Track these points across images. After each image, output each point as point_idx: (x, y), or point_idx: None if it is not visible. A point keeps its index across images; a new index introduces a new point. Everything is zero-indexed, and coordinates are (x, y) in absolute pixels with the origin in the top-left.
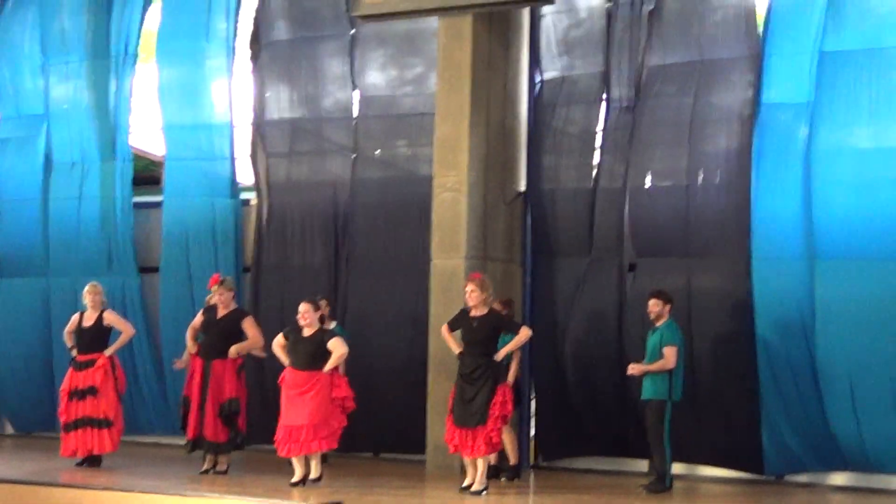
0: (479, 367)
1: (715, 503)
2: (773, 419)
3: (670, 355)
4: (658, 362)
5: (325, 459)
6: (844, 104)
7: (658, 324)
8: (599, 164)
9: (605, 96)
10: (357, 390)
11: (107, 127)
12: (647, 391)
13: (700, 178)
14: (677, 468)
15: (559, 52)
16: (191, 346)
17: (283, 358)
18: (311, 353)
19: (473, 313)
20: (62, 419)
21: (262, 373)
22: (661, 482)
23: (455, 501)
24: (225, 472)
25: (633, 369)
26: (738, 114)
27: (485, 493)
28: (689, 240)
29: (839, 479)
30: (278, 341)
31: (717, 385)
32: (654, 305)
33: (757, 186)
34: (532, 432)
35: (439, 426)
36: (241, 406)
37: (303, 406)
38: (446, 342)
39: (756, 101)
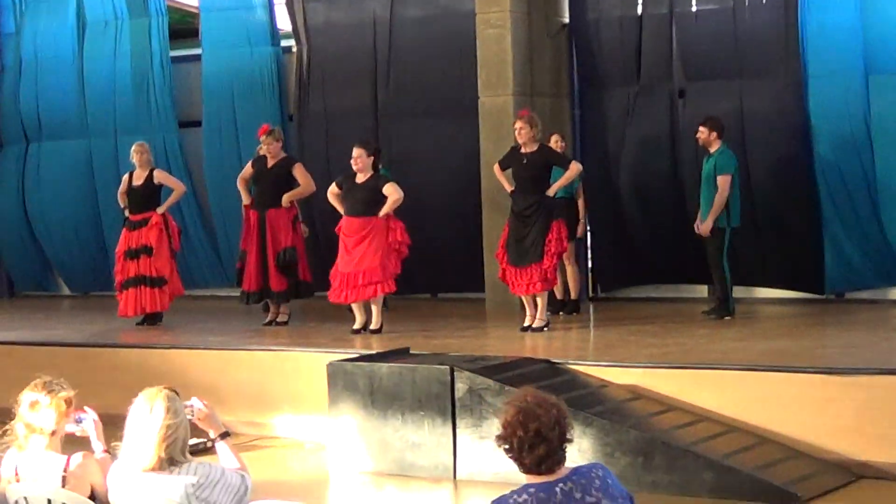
0: (533, 205)
1: (778, 324)
2: (832, 237)
3: (724, 185)
4: (716, 200)
5: (385, 304)
6: None
7: (711, 150)
8: None
9: None
10: (411, 233)
11: None
12: (706, 217)
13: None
14: (737, 291)
15: None
16: (245, 197)
17: (338, 206)
18: (366, 200)
19: (524, 150)
20: (118, 279)
21: (312, 219)
22: (723, 307)
23: (519, 338)
24: (286, 323)
25: (701, 228)
26: None
27: (546, 328)
28: (738, 61)
29: None
30: (332, 190)
31: (775, 207)
32: (701, 133)
33: (808, 1)
34: (589, 264)
35: (495, 264)
36: (297, 255)
37: (359, 252)
38: (499, 180)
39: None
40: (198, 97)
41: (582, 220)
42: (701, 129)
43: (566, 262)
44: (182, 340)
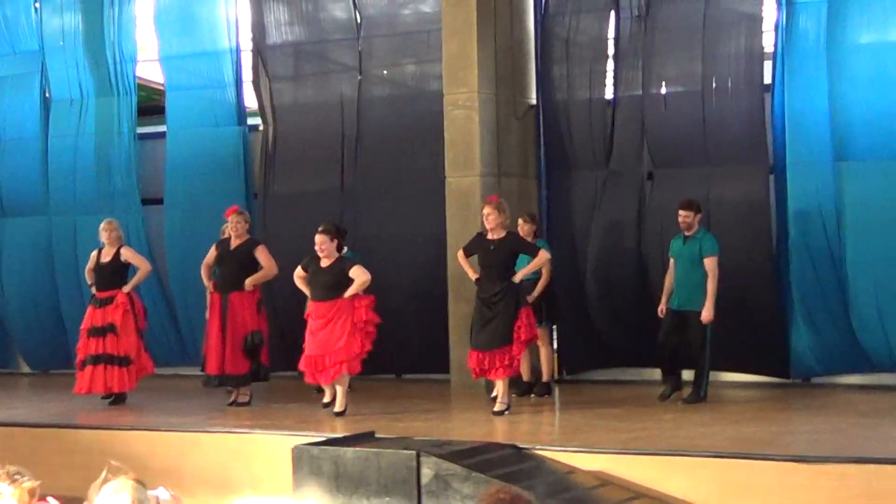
0: (499, 292)
1: (745, 408)
2: (799, 323)
3: (715, 266)
4: (710, 284)
5: (349, 387)
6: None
7: (690, 233)
8: (614, 73)
9: (615, 5)
10: (377, 313)
11: (103, 61)
12: (689, 302)
13: (714, 83)
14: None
15: None
16: (207, 283)
17: (305, 289)
18: (331, 285)
19: (491, 236)
20: (79, 355)
21: (274, 301)
22: (697, 393)
23: (485, 422)
24: (248, 404)
25: (704, 316)
26: (750, 16)
27: (507, 412)
28: (707, 147)
29: (866, 379)
30: (298, 273)
31: (741, 292)
32: (685, 217)
33: (783, 89)
34: (555, 346)
35: (461, 346)
36: (263, 338)
37: (324, 334)
38: (462, 267)
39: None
40: (161, 174)
41: (535, 294)
42: (684, 213)
43: (540, 344)
44: (143, 422)
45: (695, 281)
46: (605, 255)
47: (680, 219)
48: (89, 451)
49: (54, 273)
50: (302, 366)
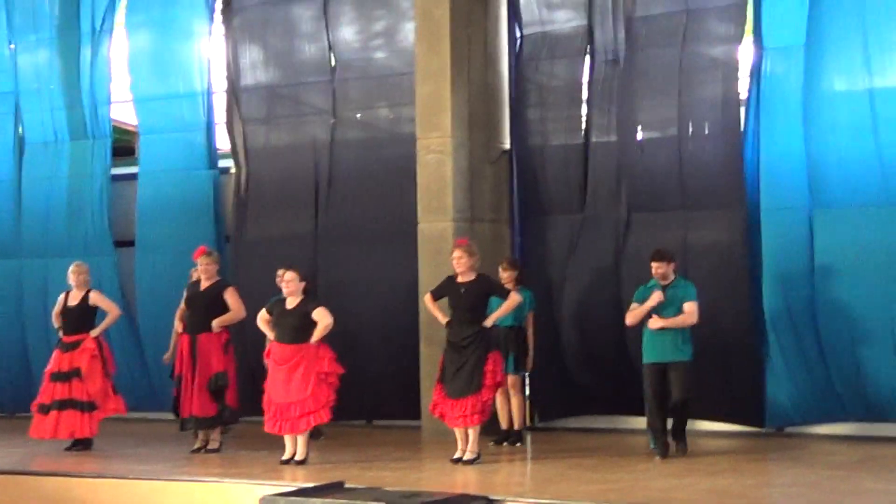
0: (469, 336)
1: (719, 458)
2: (774, 371)
3: (693, 311)
4: (680, 317)
5: (320, 433)
6: (838, 47)
7: (667, 281)
8: (588, 118)
9: (589, 49)
10: (347, 358)
11: (78, 103)
12: (672, 353)
13: (690, 128)
14: (669, 423)
15: (539, 6)
16: (178, 325)
17: (268, 332)
18: (296, 326)
19: (461, 279)
20: (39, 399)
21: (244, 345)
22: (685, 442)
23: (456, 472)
24: (217, 450)
25: (656, 323)
26: (725, 62)
27: (477, 461)
28: (683, 192)
29: (840, 429)
30: (262, 316)
31: (716, 340)
32: (657, 268)
33: (757, 135)
34: (527, 392)
35: (432, 392)
36: (228, 380)
37: (290, 382)
38: (431, 311)
39: (755, 47)
40: (134, 217)
41: (531, 354)
42: (657, 264)
43: (511, 393)
44: (110, 469)
45: (676, 330)
46: (583, 301)
47: (653, 270)
48: (53, 500)
49: (23, 315)
50: (267, 412)
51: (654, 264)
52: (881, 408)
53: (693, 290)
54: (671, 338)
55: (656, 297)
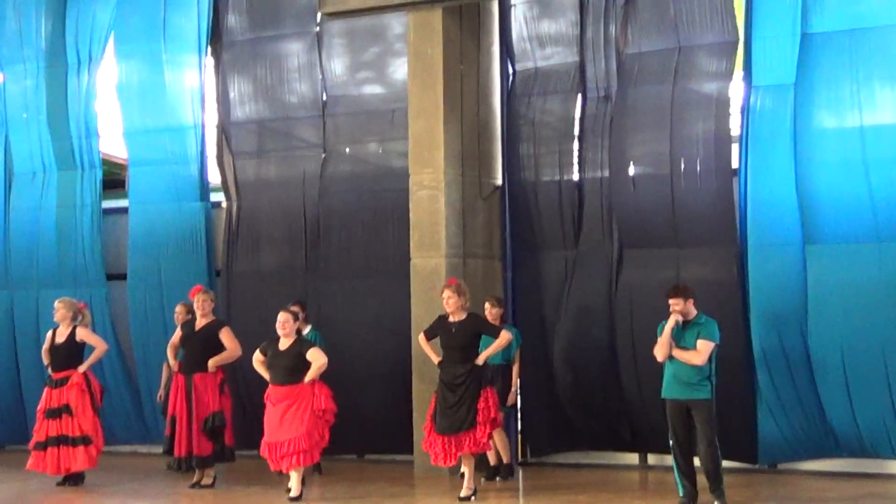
0: (462, 374)
1: (711, 497)
2: (767, 408)
3: (704, 350)
4: (687, 353)
5: (318, 467)
6: (828, 85)
7: (690, 318)
8: (580, 155)
9: (581, 86)
10: (339, 394)
11: (66, 134)
12: (689, 391)
13: (683, 165)
14: (660, 459)
15: (531, 43)
16: (172, 364)
17: (264, 373)
18: (290, 367)
19: (452, 319)
20: (35, 437)
21: (238, 382)
22: (719, 488)
23: None
24: (212, 486)
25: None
26: (717, 99)
27: (473, 497)
28: (676, 229)
29: (833, 465)
30: (257, 357)
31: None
32: (675, 304)
33: (749, 172)
34: (519, 427)
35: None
36: (225, 420)
37: (283, 420)
38: (425, 351)
39: (745, 85)
40: (124, 250)
41: (513, 389)
42: (675, 300)
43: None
44: None
45: (690, 368)
46: (575, 337)
47: (671, 307)
48: None
49: (15, 348)
50: (263, 452)
51: (671, 301)
52: (875, 444)
53: (713, 328)
54: (686, 374)
55: (671, 321)
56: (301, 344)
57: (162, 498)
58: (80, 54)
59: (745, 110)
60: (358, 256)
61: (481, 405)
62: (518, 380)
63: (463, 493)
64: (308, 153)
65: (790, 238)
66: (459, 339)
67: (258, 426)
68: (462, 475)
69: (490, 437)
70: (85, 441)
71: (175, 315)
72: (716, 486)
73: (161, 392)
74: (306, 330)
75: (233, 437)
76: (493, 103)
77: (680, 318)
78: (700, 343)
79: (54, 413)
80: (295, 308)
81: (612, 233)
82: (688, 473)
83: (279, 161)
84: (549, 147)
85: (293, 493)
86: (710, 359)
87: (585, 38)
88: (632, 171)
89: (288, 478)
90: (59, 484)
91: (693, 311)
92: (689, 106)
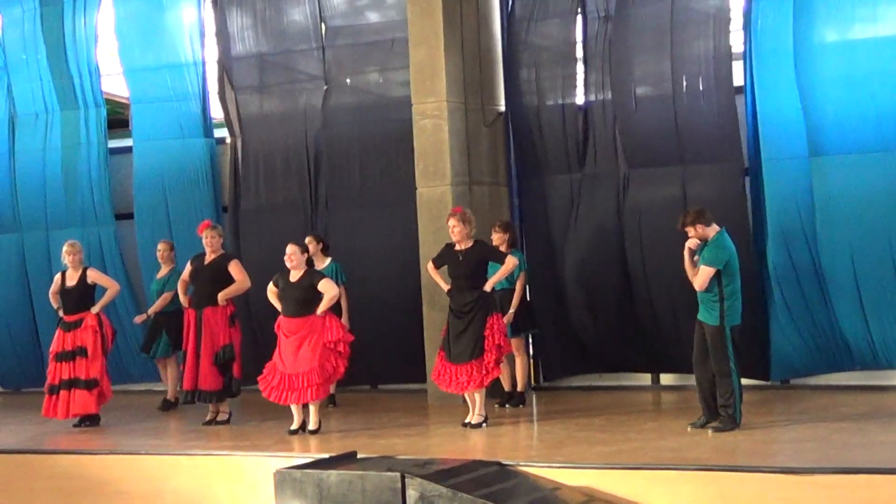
0: (470, 302)
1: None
2: (779, 324)
3: (701, 275)
4: (695, 272)
5: (332, 399)
6: None
7: (707, 238)
8: (584, 77)
9: (581, 7)
10: (351, 325)
11: (66, 73)
12: (700, 312)
13: (684, 83)
14: (682, 379)
15: None
16: (183, 299)
17: (277, 305)
18: (300, 299)
19: (458, 247)
20: (48, 380)
21: (250, 315)
22: (731, 419)
23: (465, 437)
24: (227, 422)
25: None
26: (716, 16)
27: (485, 424)
28: (680, 147)
29: (846, 379)
30: (270, 289)
31: None
32: (689, 232)
33: (753, 87)
34: (531, 352)
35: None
36: (235, 353)
37: (298, 353)
38: (434, 279)
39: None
40: (130, 189)
41: (511, 311)
42: (687, 229)
43: (516, 354)
44: (120, 445)
45: (703, 291)
46: (585, 260)
47: (690, 235)
48: (66, 476)
49: (29, 289)
50: (272, 379)
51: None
52: (888, 355)
53: (713, 253)
54: (700, 295)
55: (688, 245)
56: (312, 275)
57: (179, 435)
58: None
59: (747, 27)
60: (363, 187)
61: (487, 332)
62: (519, 300)
63: (474, 420)
64: (309, 86)
65: (796, 152)
66: (466, 268)
67: (269, 359)
68: (473, 403)
69: (497, 362)
70: (94, 384)
71: (158, 253)
72: (729, 406)
73: (141, 317)
74: (326, 263)
75: (240, 369)
76: (494, 28)
77: (693, 244)
78: (700, 269)
79: (67, 356)
80: (308, 240)
81: (617, 154)
82: (700, 394)
83: (281, 95)
84: (551, 71)
85: (312, 426)
86: (717, 283)
87: None
88: (634, 91)
89: (290, 414)
90: (75, 426)
91: (709, 233)
92: (688, 24)
